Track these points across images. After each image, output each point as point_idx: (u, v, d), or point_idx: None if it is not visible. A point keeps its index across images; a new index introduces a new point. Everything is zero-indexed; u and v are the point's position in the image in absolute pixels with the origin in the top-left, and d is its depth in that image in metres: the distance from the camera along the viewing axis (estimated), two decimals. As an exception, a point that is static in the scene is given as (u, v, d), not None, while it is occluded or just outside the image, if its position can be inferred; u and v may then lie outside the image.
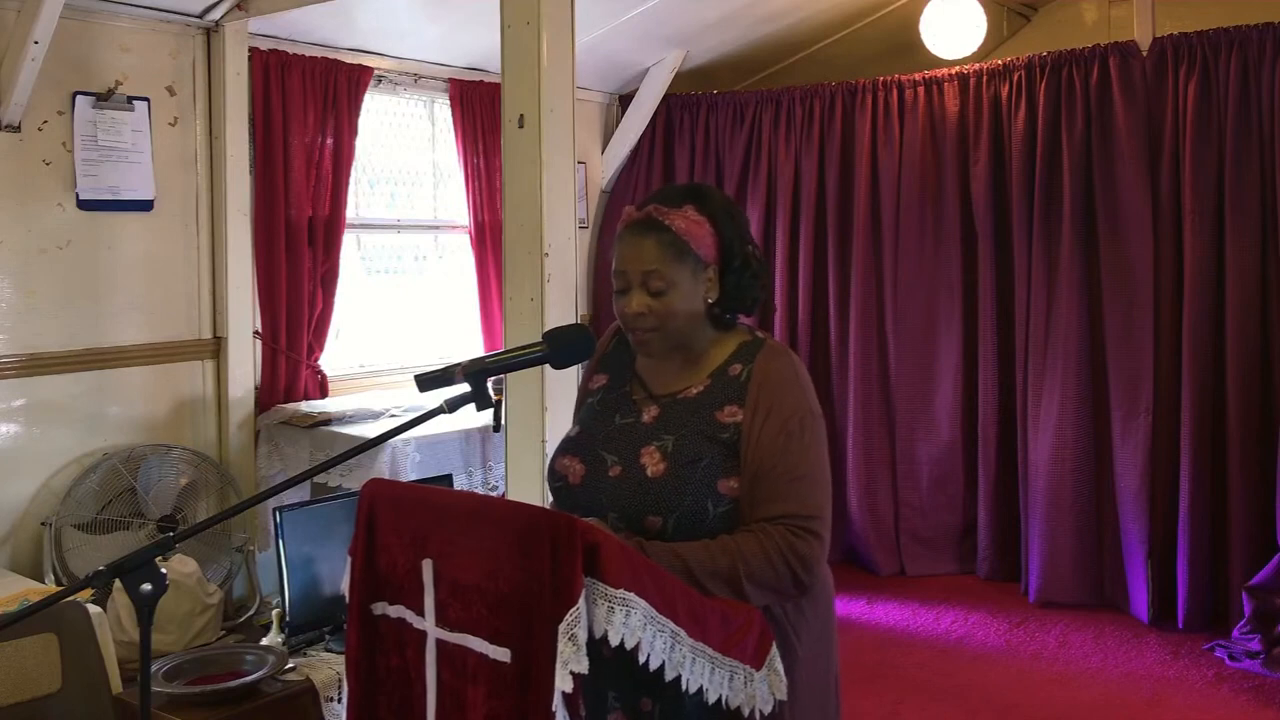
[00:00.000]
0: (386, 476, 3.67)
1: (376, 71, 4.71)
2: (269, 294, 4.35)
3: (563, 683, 1.44)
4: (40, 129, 3.79)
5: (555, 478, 1.91)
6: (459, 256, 5.24)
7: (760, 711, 1.67)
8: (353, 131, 4.58)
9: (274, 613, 3.28)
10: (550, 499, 1.96)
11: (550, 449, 2.84)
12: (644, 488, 1.78)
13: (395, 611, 1.71)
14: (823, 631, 1.90)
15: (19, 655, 2.67)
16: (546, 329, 2.25)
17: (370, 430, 3.97)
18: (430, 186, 5.19)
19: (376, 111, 4.88)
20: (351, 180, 4.64)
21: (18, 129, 3.73)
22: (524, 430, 2.90)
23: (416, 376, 1.84)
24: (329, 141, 4.50)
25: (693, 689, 1.59)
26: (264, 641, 3.20)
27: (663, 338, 1.86)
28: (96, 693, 2.86)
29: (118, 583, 1.52)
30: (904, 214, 5.20)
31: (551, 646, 1.45)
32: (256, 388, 4.36)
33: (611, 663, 1.54)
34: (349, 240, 4.74)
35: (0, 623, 1.95)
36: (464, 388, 1.76)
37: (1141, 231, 4.53)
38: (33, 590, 3.26)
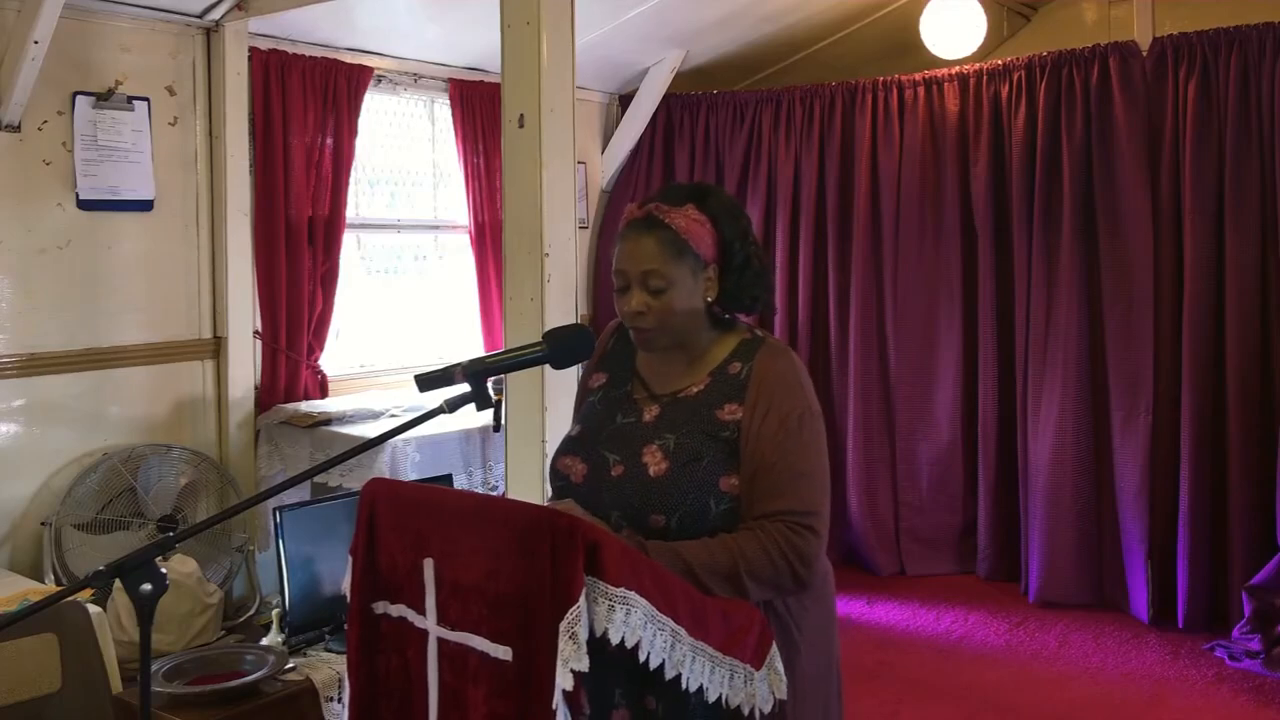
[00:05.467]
0: (386, 476, 3.67)
1: (376, 71, 4.71)
2: (269, 294, 4.34)
3: (564, 681, 1.44)
4: (40, 129, 3.79)
5: (557, 477, 1.92)
6: (459, 256, 5.24)
7: (760, 710, 1.67)
8: (353, 131, 4.58)
9: (274, 613, 3.27)
10: (551, 498, 1.96)
11: (550, 449, 2.84)
12: (647, 487, 1.78)
13: (396, 611, 1.71)
14: (823, 624, 1.91)
15: (19, 655, 2.67)
16: (546, 329, 2.25)
17: (370, 430, 3.97)
18: (430, 186, 5.19)
19: (376, 111, 4.88)
20: (351, 180, 4.64)
21: (18, 129, 3.73)
22: (524, 430, 2.90)
23: (416, 376, 1.84)
24: (329, 141, 4.50)
25: (693, 687, 1.60)
26: (264, 641, 3.19)
27: (662, 335, 1.87)
28: (96, 693, 2.87)
29: (118, 583, 1.52)
30: (904, 214, 5.20)
31: (552, 645, 1.45)
32: (256, 388, 4.36)
33: (617, 660, 1.54)
34: (349, 240, 4.74)
35: (0, 623, 1.95)
36: (464, 388, 1.76)
37: (1141, 231, 4.53)
38: (33, 590, 3.26)
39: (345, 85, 4.53)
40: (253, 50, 4.26)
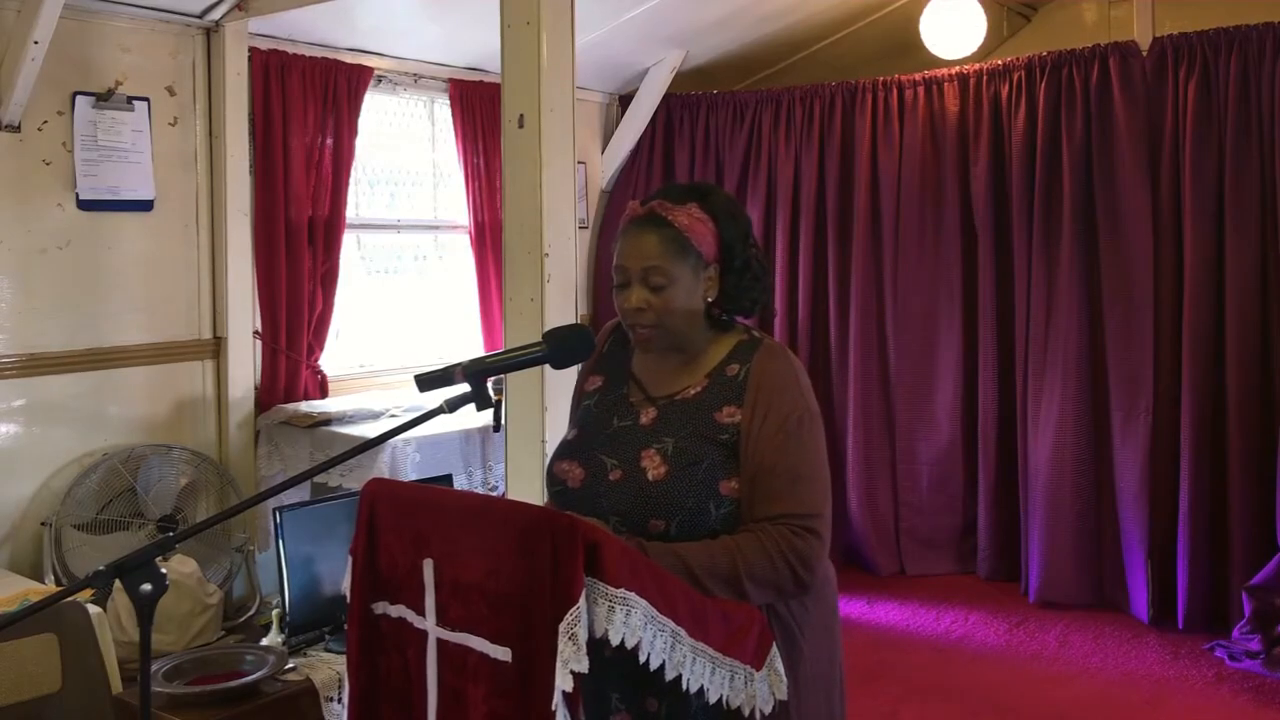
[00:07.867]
0: (386, 476, 3.67)
1: (376, 71, 4.71)
2: (269, 294, 4.34)
3: (563, 682, 1.44)
4: (40, 129, 3.79)
5: (554, 482, 1.91)
6: (459, 256, 5.24)
7: (760, 711, 1.67)
8: (352, 131, 4.58)
9: (274, 613, 3.27)
10: (548, 502, 1.96)
11: (550, 449, 2.83)
12: (646, 491, 1.78)
13: (396, 611, 1.71)
14: (826, 626, 1.90)
15: (19, 655, 2.67)
16: (546, 329, 2.25)
17: (370, 430, 3.97)
18: (430, 186, 5.19)
19: (376, 111, 4.88)
20: (351, 180, 4.64)
21: (18, 129, 3.73)
22: (524, 430, 2.90)
23: (416, 376, 1.84)
24: (329, 141, 4.50)
25: (693, 689, 1.59)
26: (264, 641, 3.20)
27: (662, 334, 1.86)
28: (96, 693, 2.86)
29: (118, 583, 1.52)
30: (904, 214, 5.20)
31: (552, 646, 1.45)
32: (256, 388, 4.36)
33: (614, 664, 1.54)
34: (349, 240, 4.74)
35: (0, 623, 1.95)
36: (464, 388, 1.76)
37: (1141, 231, 4.53)
38: (33, 590, 3.26)
39: (345, 85, 4.53)
40: (253, 50, 4.26)
